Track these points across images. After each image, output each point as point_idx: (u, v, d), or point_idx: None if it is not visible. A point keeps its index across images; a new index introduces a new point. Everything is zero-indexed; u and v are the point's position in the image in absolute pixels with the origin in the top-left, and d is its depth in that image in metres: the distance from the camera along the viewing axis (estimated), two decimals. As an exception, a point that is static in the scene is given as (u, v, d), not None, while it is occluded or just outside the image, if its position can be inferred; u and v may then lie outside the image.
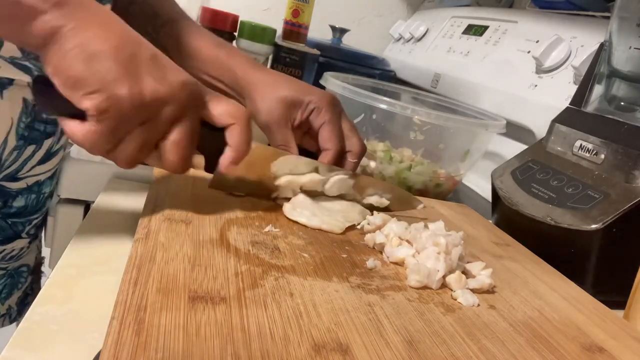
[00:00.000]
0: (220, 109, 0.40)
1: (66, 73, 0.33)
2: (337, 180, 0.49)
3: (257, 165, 0.46)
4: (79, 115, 0.34)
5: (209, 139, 0.41)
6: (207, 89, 0.40)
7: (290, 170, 0.48)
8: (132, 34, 0.36)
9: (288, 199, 0.48)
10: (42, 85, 0.35)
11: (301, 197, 0.48)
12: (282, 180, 0.47)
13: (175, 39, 0.56)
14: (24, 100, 0.52)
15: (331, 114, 0.54)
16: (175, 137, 0.37)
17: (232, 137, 0.40)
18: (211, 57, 0.56)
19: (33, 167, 0.56)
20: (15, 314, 0.64)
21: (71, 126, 0.35)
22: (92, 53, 0.33)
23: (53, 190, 0.62)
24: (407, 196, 0.55)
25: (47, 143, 0.56)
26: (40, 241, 0.67)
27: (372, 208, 0.52)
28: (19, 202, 0.57)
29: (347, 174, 0.50)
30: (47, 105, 0.36)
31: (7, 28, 0.33)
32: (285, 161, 0.47)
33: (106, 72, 0.33)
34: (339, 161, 0.53)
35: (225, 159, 0.41)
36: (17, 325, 0.46)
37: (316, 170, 0.49)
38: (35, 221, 0.61)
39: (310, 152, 0.55)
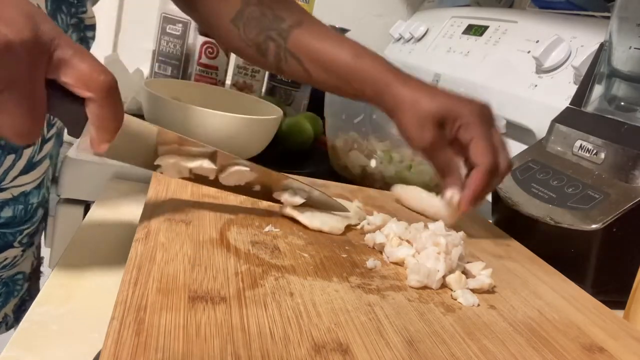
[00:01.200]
0: (72, 75, 0.30)
1: None
2: (236, 170, 0.44)
3: (136, 139, 0.39)
4: None
5: (69, 106, 0.32)
6: (60, 34, 0.30)
7: (177, 152, 0.42)
8: None
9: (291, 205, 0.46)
10: None
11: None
12: (165, 161, 0.41)
13: (306, 48, 0.52)
14: None
15: (481, 128, 0.48)
16: (8, 113, 0.29)
17: (92, 112, 0.32)
18: (353, 69, 0.51)
19: (16, 177, 0.54)
20: (12, 321, 0.63)
21: None
22: None
23: (43, 200, 0.61)
24: (327, 201, 0.48)
25: (27, 152, 0.54)
26: (37, 247, 0.66)
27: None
28: (6, 213, 0.55)
29: (247, 166, 0.45)
30: None
31: None
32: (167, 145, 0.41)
33: None
34: (490, 179, 0.48)
35: (92, 138, 0.34)
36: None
37: (211, 157, 0.43)
38: (27, 231, 0.59)
39: None
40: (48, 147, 0.58)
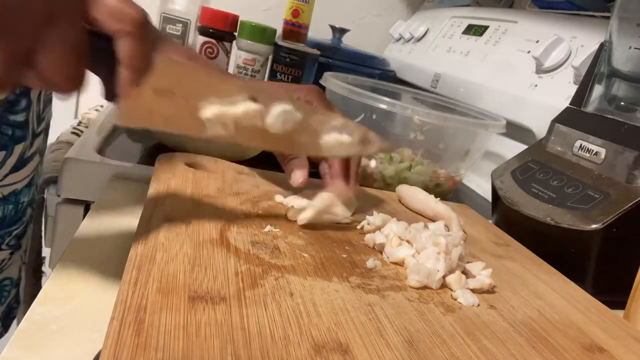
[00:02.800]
0: (103, 9, 0.30)
1: None
2: (281, 111, 0.40)
3: (172, 88, 0.36)
4: None
5: (104, 54, 0.31)
6: None
7: (218, 100, 0.37)
8: None
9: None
10: None
11: (304, 201, 0.46)
12: (208, 112, 0.37)
13: None
14: None
15: (324, 104, 0.53)
16: (52, 51, 0.28)
17: (122, 49, 0.31)
18: None
19: (6, 175, 0.54)
20: (0, 329, 0.61)
21: None
22: None
23: (32, 199, 0.60)
24: (371, 136, 0.46)
25: (18, 149, 0.54)
26: (25, 251, 0.64)
27: (332, 152, 0.44)
28: None
29: (291, 104, 0.41)
30: None
31: None
32: (209, 86, 0.37)
33: None
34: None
35: (120, 81, 0.32)
36: (17, 325, 0.46)
37: (253, 99, 0.39)
38: (15, 232, 0.58)
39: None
40: (38, 142, 0.57)
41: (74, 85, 0.30)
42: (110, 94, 0.33)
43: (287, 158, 0.51)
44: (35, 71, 0.29)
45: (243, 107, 0.38)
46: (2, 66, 0.27)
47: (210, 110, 0.37)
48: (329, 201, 0.46)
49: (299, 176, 0.49)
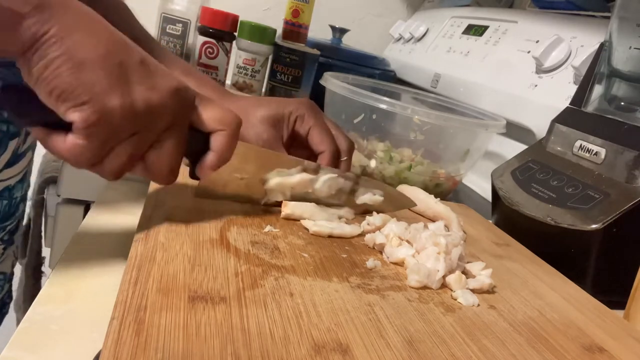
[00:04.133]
0: (210, 114, 0.38)
1: (52, 83, 0.30)
2: (327, 179, 0.48)
3: (244, 168, 0.45)
4: (61, 126, 0.32)
5: (195, 143, 0.39)
6: (195, 91, 0.38)
7: (278, 172, 0.46)
8: (119, 37, 0.33)
9: (279, 204, 0.47)
10: (15, 93, 0.32)
11: (311, 206, 0.47)
12: (271, 183, 0.46)
13: None
14: None
15: (314, 118, 0.53)
16: (165, 148, 0.35)
17: (218, 142, 0.39)
18: None
19: (0, 170, 0.54)
20: None
21: (54, 139, 0.32)
22: (80, 61, 0.30)
23: (26, 194, 0.61)
24: (398, 195, 0.54)
25: (12, 144, 0.54)
26: (17, 247, 0.65)
27: (365, 210, 0.51)
28: None
29: (335, 172, 0.49)
30: (22, 115, 0.33)
31: None
32: (271, 161, 0.46)
33: (96, 82, 0.31)
34: (336, 161, 0.53)
35: (206, 163, 0.39)
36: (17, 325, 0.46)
37: (304, 170, 0.48)
38: (9, 227, 0.59)
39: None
40: (32, 138, 0.58)
41: (173, 176, 0.37)
42: (194, 175, 0.40)
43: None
44: (144, 164, 0.36)
45: (298, 178, 0.47)
46: (127, 160, 0.34)
47: (273, 182, 0.46)
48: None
49: None
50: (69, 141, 0.32)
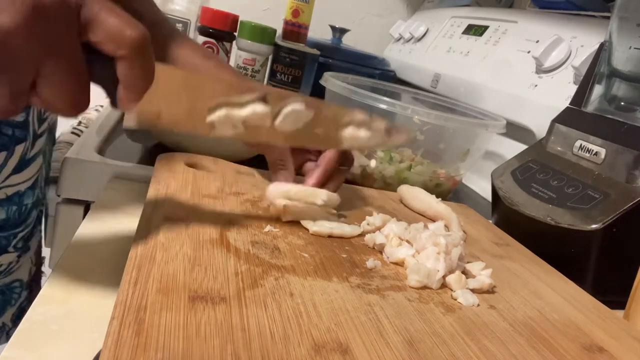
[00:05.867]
0: (100, 33, 0.29)
1: None
2: (289, 111, 0.40)
3: (178, 94, 0.37)
4: None
5: (101, 68, 0.31)
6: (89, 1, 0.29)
7: (225, 101, 0.38)
8: None
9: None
10: None
11: (311, 207, 0.46)
12: (216, 115, 0.38)
13: (161, 45, 0.52)
14: None
15: None
16: (52, 81, 0.29)
17: (120, 72, 0.31)
18: (199, 68, 0.52)
19: (8, 176, 0.54)
20: (12, 330, 0.61)
21: None
22: None
23: (37, 201, 0.60)
24: (388, 127, 0.45)
25: (19, 149, 0.54)
26: (35, 254, 0.64)
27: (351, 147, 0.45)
28: (0, 215, 0.55)
29: (301, 102, 0.41)
30: None
31: None
32: (215, 92, 0.38)
33: None
34: (340, 159, 0.51)
35: (118, 96, 0.32)
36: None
37: (263, 100, 0.40)
38: (21, 234, 0.58)
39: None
40: (40, 143, 0.57)
41: (77, 109, 0.30)
42: (116, 103, 0.33)
43: (275, 166, 0.50)
44: (38, 98, 0.29)
45: (250, 109, 0.39)
46: (7, 99, 0.28)
47: (216, 114, 0.38)
48: (307, 190, 0.46)
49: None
50: None
